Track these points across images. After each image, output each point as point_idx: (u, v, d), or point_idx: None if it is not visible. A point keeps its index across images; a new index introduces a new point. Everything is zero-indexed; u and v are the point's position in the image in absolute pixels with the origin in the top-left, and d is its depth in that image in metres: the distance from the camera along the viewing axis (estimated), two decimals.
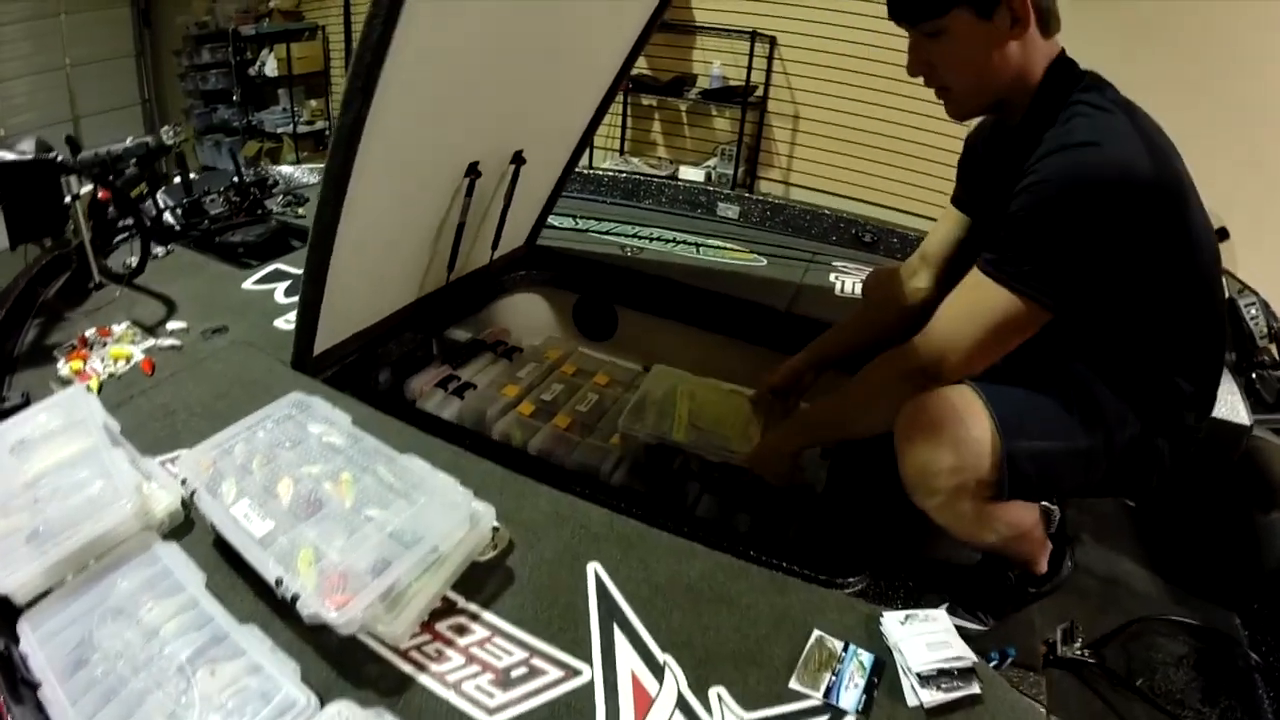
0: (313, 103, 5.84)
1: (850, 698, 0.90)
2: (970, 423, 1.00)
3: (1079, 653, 1.20)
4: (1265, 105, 2.73)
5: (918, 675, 0.90)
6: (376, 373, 1.80)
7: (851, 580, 1.13)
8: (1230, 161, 2.44)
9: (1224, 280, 1.16)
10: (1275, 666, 1.21)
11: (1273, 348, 1.61)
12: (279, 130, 5.60)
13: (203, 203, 2.31)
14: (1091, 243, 0.95)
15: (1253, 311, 1.61)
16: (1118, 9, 2.78)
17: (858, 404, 1.19)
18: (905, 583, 1.16)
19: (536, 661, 0.94)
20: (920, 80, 1.11)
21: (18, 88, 4.82)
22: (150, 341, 1.63)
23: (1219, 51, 2.76)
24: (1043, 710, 1.00)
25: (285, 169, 2.90)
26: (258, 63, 5.56)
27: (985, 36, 1.01)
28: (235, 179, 2.40)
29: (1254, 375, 1.57)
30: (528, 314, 2.24)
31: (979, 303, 1.03)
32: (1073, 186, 0.95)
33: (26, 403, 1.41)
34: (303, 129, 5.70)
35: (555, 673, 0.93)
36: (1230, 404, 1.45)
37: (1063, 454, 1.04)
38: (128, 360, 1.57)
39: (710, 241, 2.43)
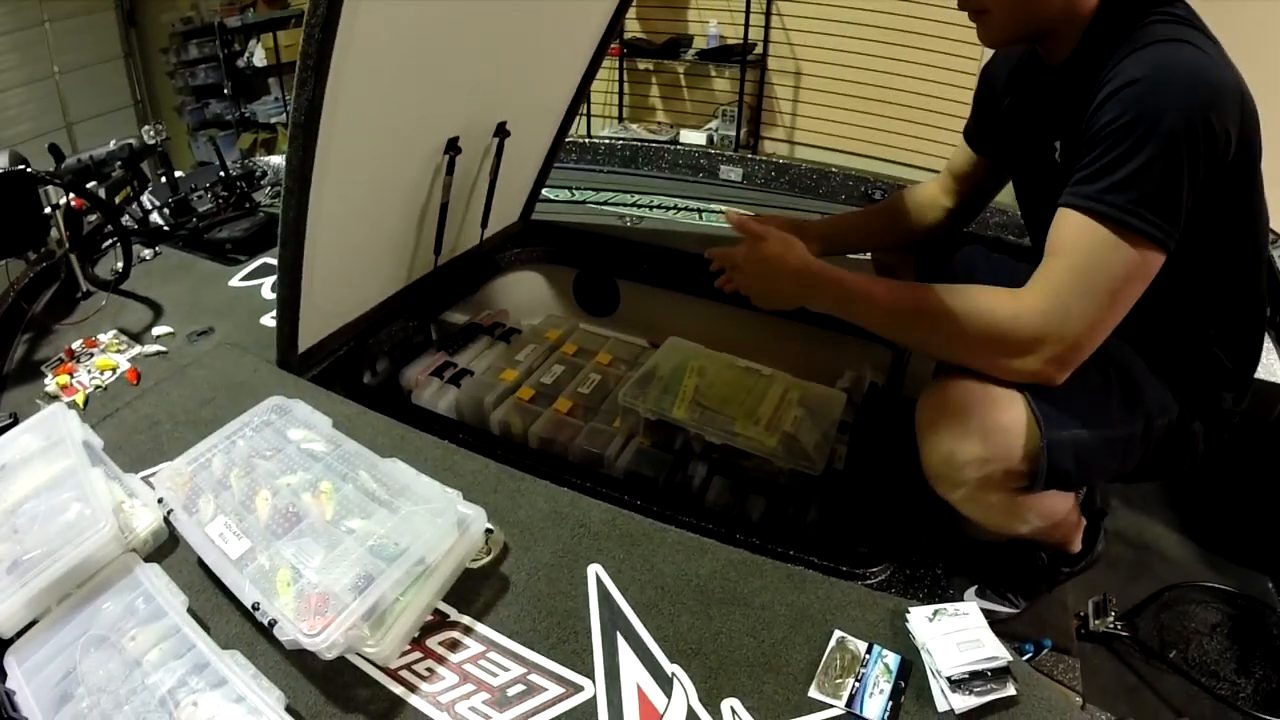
0: None
1: (875, 706, 0.82)
2: (1001, 407, 0.88)
3: (1111, 625, 1.14)
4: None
5: (948, 679, 0.82)
6: (370, 364, 1.73)
7: (874, 570, 1.05)
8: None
9: None
10: None
11: None
12: (272, 120, 5.50)
13: (190, 200, 2.25)
14: (1203, 160, 0.78)
15: None
16: None
17: (918, 329, 0.94)
18: (932, 569, 1.08)
19: (534, 678, 0.88)
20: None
21: (9, 100, 4.76)
22: (136, 349, 1.59)
23: None
24: (1079, 700, 0.93)
25: (275, 159, 2.83)
26: (246, 54, 5.45)
27: None
28: (221, 173, 2.34)
29: None
30: (525, 293, 2.15)
31: (1084, 252, 0.83)
32: (1188, 83, 0.77)
33: (15, 422, 1.37)
34: None
35: (555, 689, 0.86)
36: (1265, 363, 1.34)
37: (1101, 443, 0.92)
38: (113, 371, 1.52)
39: (713, 206, 2.34)
